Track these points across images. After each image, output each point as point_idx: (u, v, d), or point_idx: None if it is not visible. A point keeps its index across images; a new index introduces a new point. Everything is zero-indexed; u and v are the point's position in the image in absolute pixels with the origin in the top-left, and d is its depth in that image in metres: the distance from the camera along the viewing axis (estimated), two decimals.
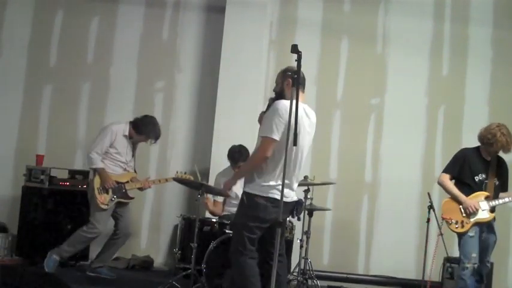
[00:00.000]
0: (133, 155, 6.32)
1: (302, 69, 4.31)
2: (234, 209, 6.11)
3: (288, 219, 5.74)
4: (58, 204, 6.52)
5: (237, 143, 6.37)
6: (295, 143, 4.00)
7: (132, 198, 6.28)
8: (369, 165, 7.26)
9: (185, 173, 6.11)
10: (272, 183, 4.30)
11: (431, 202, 5.65)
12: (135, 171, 6.36)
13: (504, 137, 5.35)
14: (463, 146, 5.85)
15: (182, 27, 7.47)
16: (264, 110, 4.63)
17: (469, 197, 5.45)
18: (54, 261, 5.96)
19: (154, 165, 7.38)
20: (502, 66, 7.23)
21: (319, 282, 5.89)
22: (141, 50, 7.45)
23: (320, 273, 6.47)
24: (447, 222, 5.48)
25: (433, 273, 5.99)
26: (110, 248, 6.22)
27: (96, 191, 5.99)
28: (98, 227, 5.99)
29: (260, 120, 4.64)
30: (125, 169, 6.21)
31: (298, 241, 5.85)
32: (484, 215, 5.43)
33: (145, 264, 6.99)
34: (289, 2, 7.42)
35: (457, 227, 5.45)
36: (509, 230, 6.91)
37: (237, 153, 6.23)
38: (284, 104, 4.25)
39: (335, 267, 7.00)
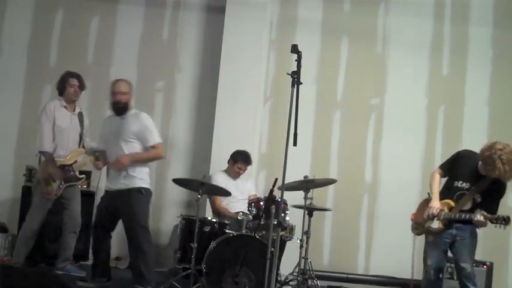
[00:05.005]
0: (82, 127, 5.99)
1: (302, 69, 4.33)
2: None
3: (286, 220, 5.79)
4: (58, 204, 6.50)
5: (237, 143, 6.47)
6: (295, 143, 4.02)
7: (81, 179, 5.96)
8: (369, 165, 7.27)
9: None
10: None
11: None
12: (83, 146, 5.97)
13: (503, 166, 4.70)
14: (463, 146, 5.81)
15: (182, 27, 7.47)
16: None
17: (442, 201, 5.05)
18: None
19: (154, 165, 7.34)
20: (502, 66, 7.24)
21: (319, 282, 5.88)
22: (141, 50, 7.45)
23: (320, 273, 6.47)
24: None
25: None
26: (67, 243, 5.98)
27: (42, 183, 5.67)
28: (32, 221, 5.71)
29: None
30: (74, 148, 5.89)
31: (298, 241, 5.84)
32: (434, 224, 5.02)
33: None
34: (289, 2, 7.42)
35: (412, 229, 5.28)
36: (509, 230, 6.85)
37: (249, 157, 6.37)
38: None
39: (335, 267, 7.01)
